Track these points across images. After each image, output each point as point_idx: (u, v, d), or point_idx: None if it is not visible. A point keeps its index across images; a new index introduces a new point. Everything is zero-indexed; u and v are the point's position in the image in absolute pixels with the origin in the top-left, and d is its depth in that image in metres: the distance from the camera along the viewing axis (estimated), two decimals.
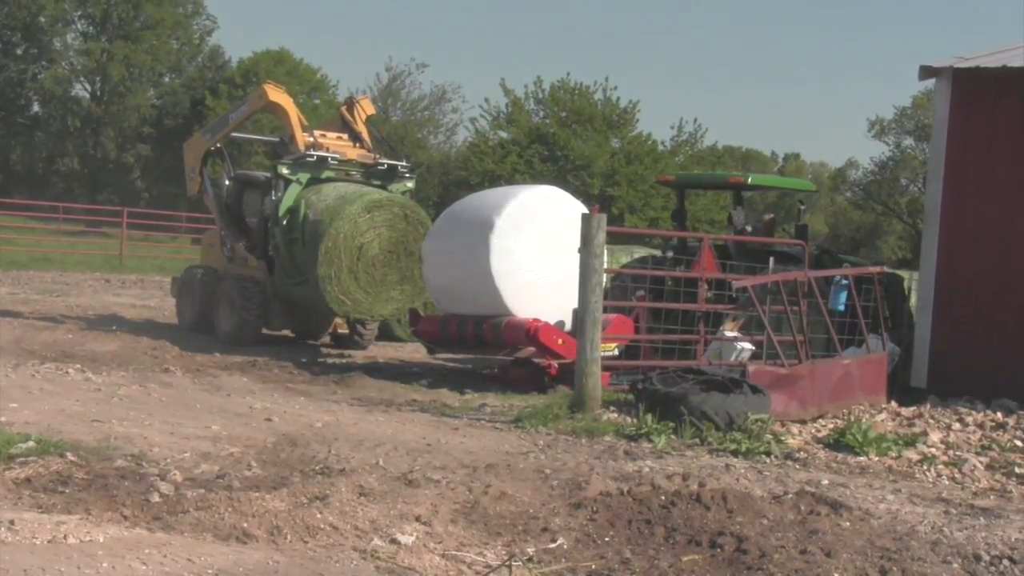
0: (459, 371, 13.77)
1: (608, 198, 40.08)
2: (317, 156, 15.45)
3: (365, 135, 16.24)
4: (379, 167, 16.02)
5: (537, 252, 12.59)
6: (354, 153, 15.93)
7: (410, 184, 16.29)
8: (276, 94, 16.07)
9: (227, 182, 16.84)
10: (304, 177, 15.40)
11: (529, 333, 12.13)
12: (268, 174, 17.15)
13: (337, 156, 15.65)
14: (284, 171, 15.36)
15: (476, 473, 7.27)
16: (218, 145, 17.20)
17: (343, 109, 16.52)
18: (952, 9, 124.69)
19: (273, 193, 15.45)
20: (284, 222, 15.18)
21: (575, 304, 10.74)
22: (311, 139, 15.69)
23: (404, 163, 16.54)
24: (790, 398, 10.60)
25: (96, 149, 59.17)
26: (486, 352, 13.12)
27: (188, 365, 12.91)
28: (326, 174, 15.58)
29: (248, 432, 8.58)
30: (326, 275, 14.49)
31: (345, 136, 16.11)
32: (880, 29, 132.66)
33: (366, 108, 16.61)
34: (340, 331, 16.13)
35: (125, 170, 61.17)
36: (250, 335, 15.33)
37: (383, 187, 15.84)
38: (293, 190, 15.30)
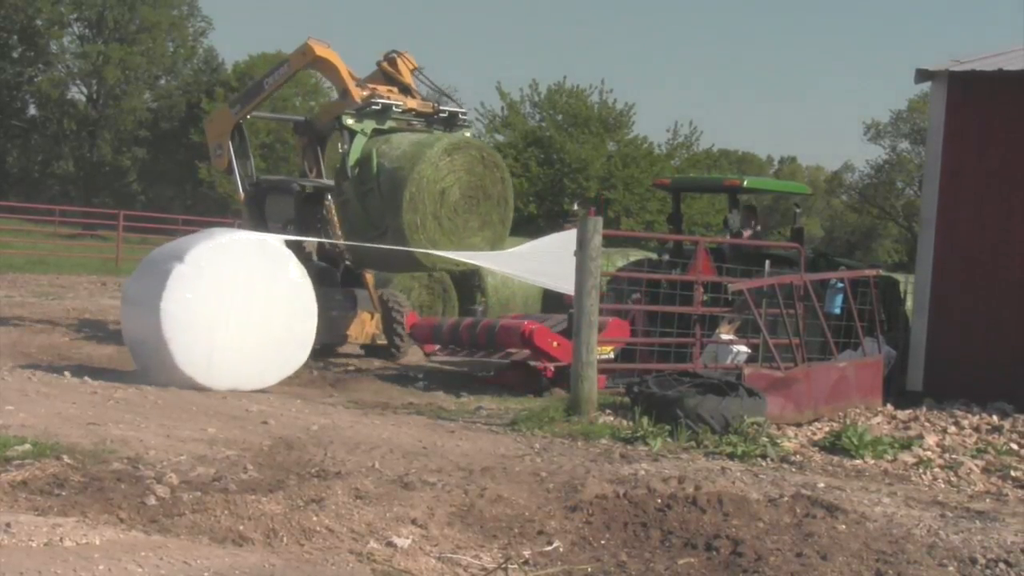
0: (455, 374, 13.76)
1: (604, 201, 40.04)
2: (382, 104, 14.82)
3: (413, 88, 15.54)
4: (440, 115, 15.39)
5: (215, 323, 11.04)
6: (413, 103, 15.27)
7: (468, 133, 15.71)
8: (322, 49, 15.18)
9: (249, 187, 15.92)
10: (369, 127, 14.78)
11: (524, 336, 12.17)
12: (290, 178, 16.50)
13: (400, 104, 15.05)
14: (349, 122, 14.70)
15: (472, 476, 7.26)
16: (247, 118, 16.33)
17: (384, 64, 15.54)
18: (948, 12, 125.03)
19: (340, 146, 14.86)
20: (355, 173, 14.59)
21: (290, 334, 11.16)
22: (366, 92, 14.90)
23: (463, 110, 15.97)
24: (786, 401, 10.61)
25: (92, 152, 59.19)
26: (481, 352, 13.12)
27: None
28: (388, 124, 15.03)
29: (244, 435, 8.56)
30: (411, 222, 14.06)
31: (395, 89, 15.33)
32: (876, 32, 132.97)
33: (411, 61, 15.66)
34: (379, 342, 15.11)
35: (121, 173, 61.24)
36: None
37: None
38: (359, 141, 14.67)
